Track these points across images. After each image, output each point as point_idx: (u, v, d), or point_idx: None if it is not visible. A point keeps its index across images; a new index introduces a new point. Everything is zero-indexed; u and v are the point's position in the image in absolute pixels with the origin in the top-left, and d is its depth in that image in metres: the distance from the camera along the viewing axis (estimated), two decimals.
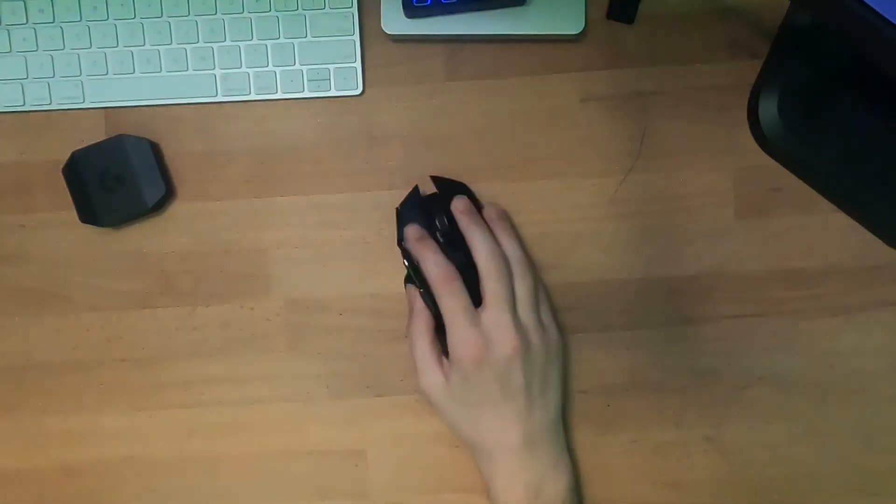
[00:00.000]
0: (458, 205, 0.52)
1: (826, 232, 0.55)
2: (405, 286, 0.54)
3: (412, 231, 0.52)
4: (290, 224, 0.56)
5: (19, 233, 0.57)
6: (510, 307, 0.49)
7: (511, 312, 0.49)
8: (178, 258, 0.56)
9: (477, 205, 0.54)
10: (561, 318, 0.55)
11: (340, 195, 0.56)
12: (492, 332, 0.49)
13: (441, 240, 0.52)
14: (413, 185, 0.55)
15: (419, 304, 0.52)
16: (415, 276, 0.51)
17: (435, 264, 0.50)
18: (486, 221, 0.53)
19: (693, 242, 0.55)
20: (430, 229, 0.53)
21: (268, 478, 0.56)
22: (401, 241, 0.54)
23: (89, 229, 0.56)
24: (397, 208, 0.54)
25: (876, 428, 0.55)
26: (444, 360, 0.51)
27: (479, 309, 0.50)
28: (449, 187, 0.54)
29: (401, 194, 0.55)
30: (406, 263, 0.52)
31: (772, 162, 0.55)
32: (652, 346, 0.55)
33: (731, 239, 0.55)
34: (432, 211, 0.53)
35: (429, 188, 0.55)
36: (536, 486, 0.50)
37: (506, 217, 0.54)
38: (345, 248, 0.56)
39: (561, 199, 0.55)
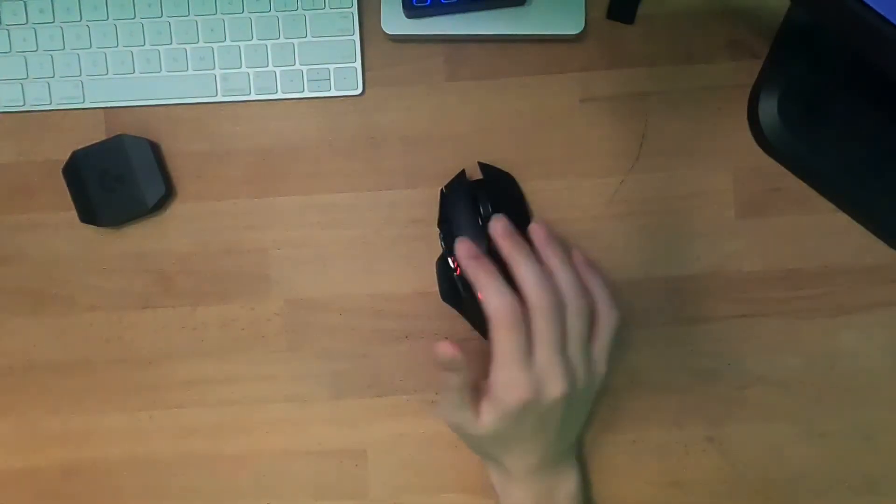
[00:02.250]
0: (497, 227, 0.47)
1: (826, 232, 0.55)
2: (437, 271, 0.53)
3: (466, 248, 0.47)
4: (290, 224, 0.56)
5: (19, 233, 0.57)
6: (560, 348, 0.46)
7: (561, 354, 0.46)
8: (178, 258, 0.56)
9: (523, 200, 0.53)
10: None
11: (340, 195, 0.56)
12: (541, 375, 0.45)
13: (482, 224, 0.51)
14: (460, 169, 0.54)
15: (460, 357, 0.46)
16: (450, 257, 0.51)
17: (499, 295, 0.45)
18: (535, 243, 0.48)
19: (693, 242, 0.55)
20: (474, 215, 0.52)
21: (268, 478, 0.56)
22: (440, 222, 0.53)
23: (89, 229, 0.56)
24: (442, 190, 0.53)
25: (876, 428, 0.55)
26: (477, 402, 0.48)
27: (530, 349, 0.45)
28: (496, 176, 0.54)
29: (401, 194, 0.55)
30: (443, 245, 0.52)
31: (772, 162, 0.55)
32: (652, 346, 0.55)
33: (731, 239, 0.55)
34: (477, 197, 0.52)
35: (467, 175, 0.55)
36: (547, 493, 0.50)
37: (553, 237, 0.48)
38: (345, 248, 0.56)
39: (561, 199, 0.55)
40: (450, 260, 0.51)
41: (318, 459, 0.56)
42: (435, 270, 0.54)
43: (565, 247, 0.48)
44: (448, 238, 0.51)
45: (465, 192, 0.53)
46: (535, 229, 0.48)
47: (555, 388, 0.46)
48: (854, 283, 0.55)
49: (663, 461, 0.56)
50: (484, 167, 0.54)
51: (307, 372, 0.56)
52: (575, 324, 0.46)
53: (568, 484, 0.51)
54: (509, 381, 0.45)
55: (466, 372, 0.46)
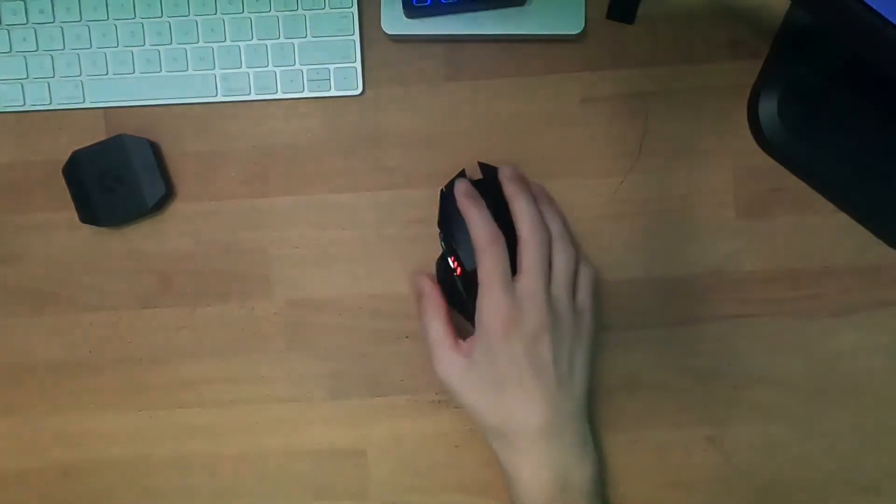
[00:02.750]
0: (507, 171, 0.51)
1: (826, 232, 0.55)
2: (437, 271, 0.54)
3: (463, 186, 0.50)
4: (290, 224, 0.56)
5: (19, 233, 0.57)
6: (545, 280, 0.48)
7: (545, 285, 0.48)
8: (178, 258, 0.56)
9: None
10: None
11: (340, 195, 0.56)
12: (524, 302, 0.47)
13: None
14: (460, 169, 0.54)
15: (428, 287, 0.51)
16: (449, 258, 0.51)
17: (482, 222, 0.48)
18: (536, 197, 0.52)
19: (693, 242, 0.55)
20: None
21: (268, 478, 0.56)
22: (440, 222, 0.53)
23: (89, 229, 0.56)
24: (442, 190, 0.53)
25: (876, 428, 0.55)
26: (461, 341, 0.50)
27: (514, 278, 0.48)
28: (495, 175, 0.53)
29: (401, 194, 0.55)
30: (443, 245, 0.52)
31: (772, 162, 0.55)
32: (652, 346, 0.55)
33: (731, 239, 0.55)
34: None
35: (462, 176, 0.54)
36: (563, 479, 0.48)
37: (550, 197, 0.54)
38: (344, 248, 0.56)
39: (561, 199, 0.55)
40: (450, 260, 0.51)
41: (318, 459, 0.56)
42: (435, 270, 0.54)
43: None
44: (448, 238, 0.51)
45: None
46: (534, 186, 0.53)
47: (537, 315, 0.47)
48: (854, 283, 0.55)
49: (663, 461, 0.56)
50: (483, 167, 0.54)
51: (307, 372, 0.56)
52: (560, 263, 0.49)
53: (584, 469, 0.49)
54: (492, 305, 0.47)
55: (445, 313, 0.50)
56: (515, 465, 0.49)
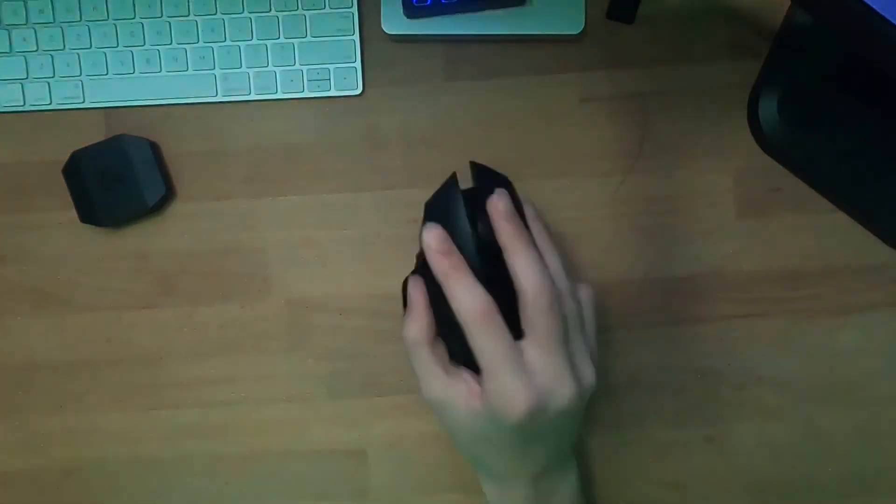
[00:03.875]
0: (499, 205, 0.40)
1: (826, 232, 0.55)
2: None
3: (435, 241, 0.40)
4: (290, 224, 0.56)
5: (19, 233, 0.57)
6: (565, 347, 0.40)
7: (566, 353, 0.40)
8: (178, 258, 0.56)
9: (517, 202, 0.42)
10: None
11: (340, 195, 0.56)
12: (545, 379, 0.39)
13: (476, 244, 0.40)
14: (451, 173, 0.43)
15: (419, 301, 0.42)
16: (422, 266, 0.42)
17: (465, 292, 0.39)
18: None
19: (693, 242, 0.55)
20: (465, 233, 0.40)
21: (268, 478, 0.56)
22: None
23: (89, 229, 0.56)
24: (427, 203, 0.42)
25: (876, 428, 0.55)
26: (454, 369, 0.41)
27: (521, 343, 0.39)
28: (492, 181, 0.42)
29: (401, 194, 0.55)
30: (419, 261, 0.43)
31: (772, 162, 0.55)
32: (652, 346, 0.55)
33: (731, 239, 0.55)
34: (474, 210, 0.40)
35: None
36: (546, 498, 0.45)
37: (542, 220, 0.44)
38: (345, 248, 0.56)
39: (561, 199, 0.55)
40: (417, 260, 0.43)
41: (318, 459, 0.56)
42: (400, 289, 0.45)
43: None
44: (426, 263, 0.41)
45: (456, 205, 0.41)
46: (529, 216, 0.43)
47: (566, 391, 0.39)
48: (854, 283, 0.55)
49: (663, 461, 0.56)
50: (477, 169, 0.43)
51: (307, 372, 0.56)
52: (569, 308, 0.41)
53: (567, 485, 0.47)
54: (506, 390, 0.39)
55: (432, 327, 0.41)
56: (499, 496, 0.46)
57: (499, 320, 0.39)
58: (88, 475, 0.57)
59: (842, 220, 0.55)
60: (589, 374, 0.41)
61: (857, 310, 0.55)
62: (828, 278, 0.55)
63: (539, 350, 0.39)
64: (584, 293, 0.43)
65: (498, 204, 0.40)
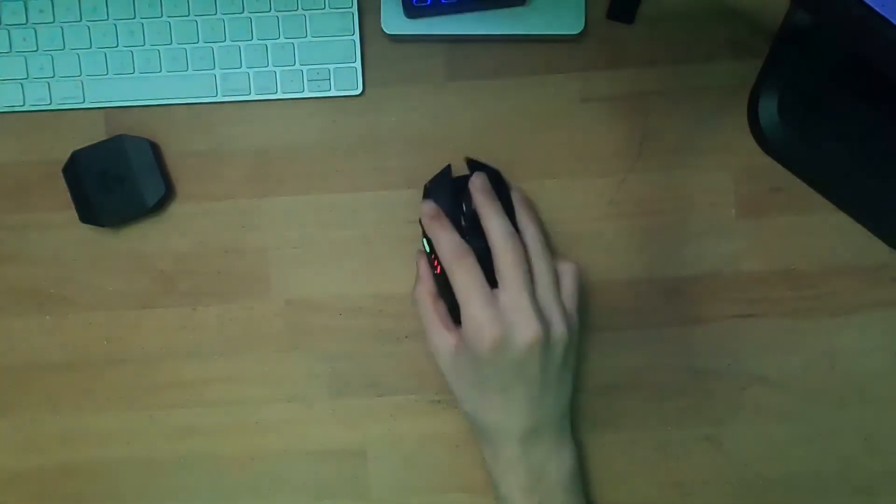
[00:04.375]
0: (476, 181, 0.50)
1: (826, 232, 0.55)
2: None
3: (427, 208, 0.50)
4: (290, 224, 0.56)
5: (19, 233, 0.57)
6: (529, 290, 0.46)
7: (531, 295, 0.46)
8: (178, 258, 0.56)
9: (508, 197, 0.52)
10: None
11: (340, 195, 0.56)
12: (510, 315, 0.46)
13: (464, 224, 0.50)
14: (446, 164, 0.53)
15: (424, 268, 0.51)
16: (430, 254, 0.50)
17: (447, 241, 0.48)
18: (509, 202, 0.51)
19: (693, 242, 0.55)
20: (456, 211, 0.51)
21: (268, 478, 0.56)
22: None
23: (89, 229, 0.56)
24: (426, 185, 0.52)
25: (876, 428, 0.55)
26: (453, 324, 0.49)
27: (496, 290, 0.47)
28: (482, 171, 0.52)
29: (401, 194, 0.55)
30: (424, 241, 0.51)
31: (772, 162, 0.55)
32: (652, 346, 0.55)
33: (731, 239, 0.55)
34: (460, 193, 0.51)
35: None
36: (538, 471, 0.49)
37: (529, 202, 0.52)
38: (345, 248, 0.56)
39: (561, 199, 0.55)
40: (430, 258, 0.51)
41: (318, 459, 0.56)
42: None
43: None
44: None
45: (449, 188, 0.52)
46: (514, 194, 0.51)
47: (527, 329, 0.46)
48: (854, 283, 0.55)
49: (663, 461, 0.56)
50: (471, 163, 0.53)
51: (307, 372, 0.56)
52: (541, 269, 0.47)
53: (562, 464, 0.49)
54: (475, 320, 0.46)
55: (435, 293, 0.50)
56: (492, 458, 0.50)
57: (474, 262, 0.47)
58: (88, 475, 0.57)
59: (842, 220, 0.55)
60: (558, 324, 0.47)
61: (857, 310, 0.55)
62: (828, 278, 0.55)
63: (506, 293, 0.46)
64: (565, 266, 0.50)
65: (475, 181, 0.50)
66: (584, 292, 0.53)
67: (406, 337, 0.56)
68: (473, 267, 0.47)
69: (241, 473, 0.56)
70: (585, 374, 0.55)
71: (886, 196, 0.54)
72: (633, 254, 0.55)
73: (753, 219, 0.55)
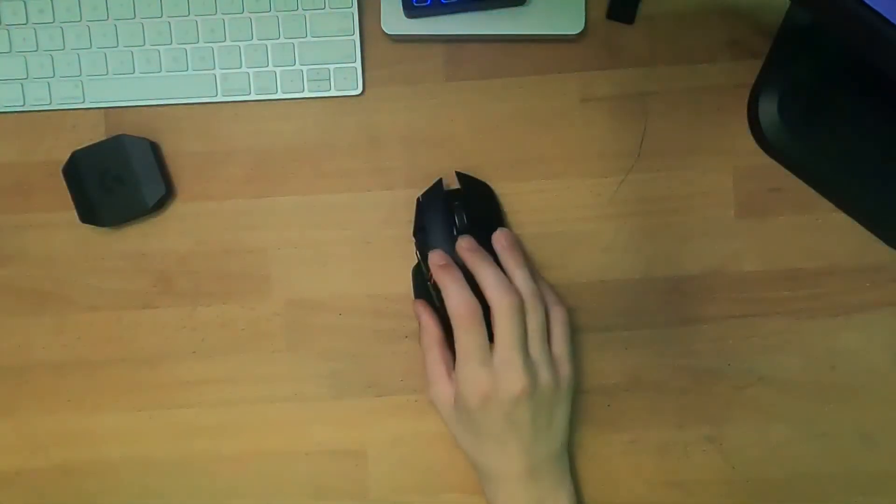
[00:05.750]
0: (463, 244, 0.51)
1: (826, 232, 0.55)
2: (413, 280, 0.55)
3: (437, 257, 0.51)
4: (290, 224, 0.56)
5: (19, 233, 0.57)
6: (521, 345, 0.48)
7: (521, 351, 0.48)
8: (178, 258, 0.56)
9: (499, 211, 0.55)
10: None
11: (340, 195, 0.56)
12: (500, 371, 0.48)
13: (457, 235, 0.51)
14: (437, 178, 0.54)
15: (426, 317, 0.52)
16: (425, 268, 0.51)
17: (458, 295, 0.49)
18: (497, 249, 0.51)
19: (693, 242, 0.55)
20: (449, 226, 0.52)
21: (268, 478, 0.56)
22: (416, 231, 0.54)
23: (89, 229, 0.56)
24: (418, 198, 0.54)
25: (876, 428, 0.55)
26: (454, 371, 0.51)
27: (492, 346, 0.49)
28: (472, 185, 0.54)
29: (401, 194, 0.55)
30: (418, 255, 0.52)
31: (772, 162, 0.55)
32: (652, 346, 0.55)
33: (731, 239, 0.55)
34: (453, 207, 0.52)
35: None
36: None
37: (517, 244, 0.52)
38: (345, 248, 0.56)
39: (561, 199, 0.55)
40: (424, 268, 0.52)
41: (318, 459, 0.56)
42: (411, 277, 0.55)
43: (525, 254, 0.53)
44: (423, 247, 0.52)
45: (441, 203, 0.53)
46: (497, 237, 0.51)
47: (514, 383, 0.48)
48: (854, 283, 0.55)
49: (663, 461, 0.56)
50: (461, 177, 0.54)
51: (307, 372, 0.56)
52: (533, 322, 0.49)
53: (559, 499, 0.51)
54: (468, 378, 0.49)
55: (441, 343, 0.51)
56: (493, 498, 0.51)
57: (479, 322, 0.48)
58: (88, 475, 0.57)
59: (842, 220, 0.55)
60: (545, 373, 0.49)
61: (857, 310, 0.55)
62: (828, 278, 0.55)
63: (499, 350, 0.48)
64: (555, 313, 0.51)
65: (461, 244, 0.51)
66: (581, 293, 0.54)
67: (406, 337, 0.56)
68: (479, 328, 0.48)
69: (241, 473, 0.56)
70: (585, 374, 0.55)
71: (886, 196, 0.54)
72: (633, 253, 0.55)
73: (753, 219, 0.55)
